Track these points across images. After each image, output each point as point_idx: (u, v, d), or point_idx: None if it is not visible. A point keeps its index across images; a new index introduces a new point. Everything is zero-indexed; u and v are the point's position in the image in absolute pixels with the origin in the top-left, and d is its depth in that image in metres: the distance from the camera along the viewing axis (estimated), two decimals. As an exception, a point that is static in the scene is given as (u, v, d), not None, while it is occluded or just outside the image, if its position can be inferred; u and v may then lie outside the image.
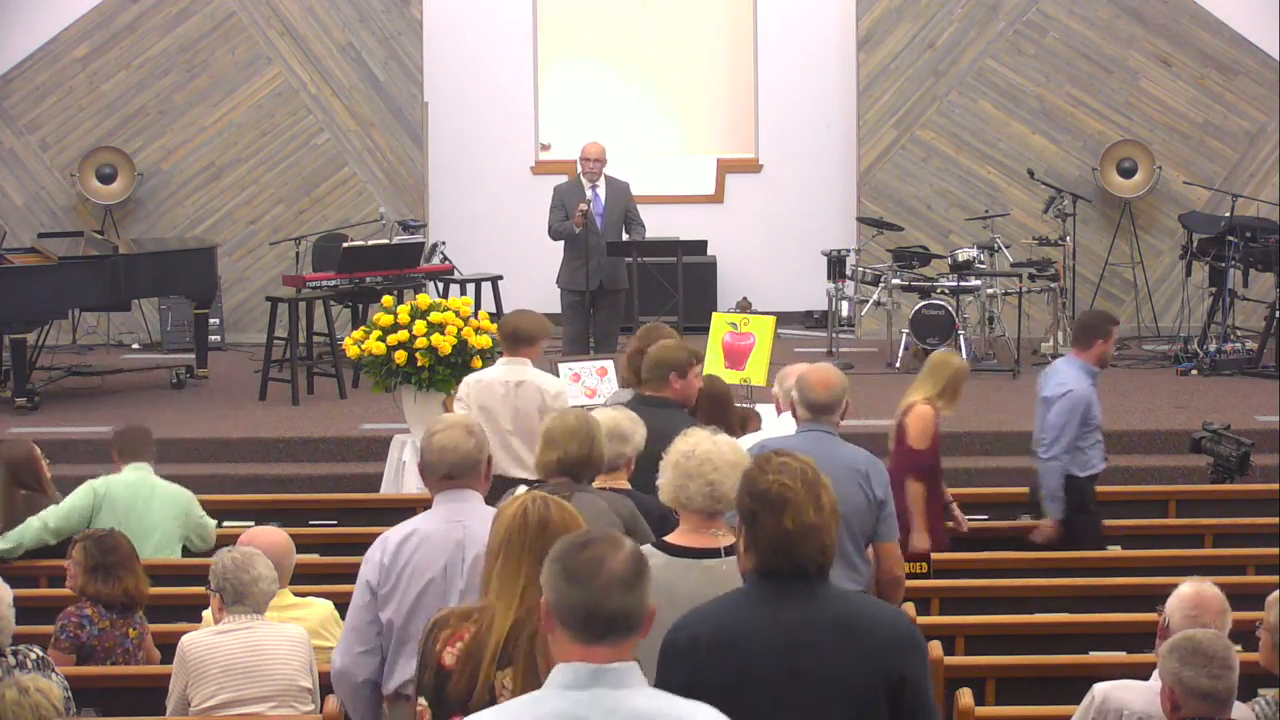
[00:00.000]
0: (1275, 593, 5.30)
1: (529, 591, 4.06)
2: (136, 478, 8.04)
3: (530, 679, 3.97)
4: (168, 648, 6.21)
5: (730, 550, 4.62)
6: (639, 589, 3.33)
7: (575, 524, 4.20)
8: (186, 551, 8.16)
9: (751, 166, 15.94)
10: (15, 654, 5.63)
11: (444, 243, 14.51)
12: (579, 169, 12.75)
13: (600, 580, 3.30)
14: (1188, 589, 5.39)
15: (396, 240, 13.73)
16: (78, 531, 7.28)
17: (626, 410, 6.37)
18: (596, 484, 5.90)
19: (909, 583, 7.49)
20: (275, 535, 6.50)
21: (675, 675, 3.80)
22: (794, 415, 6.54)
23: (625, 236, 12.61)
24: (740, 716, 3.50)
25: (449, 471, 5.15)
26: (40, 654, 5.72)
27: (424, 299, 10.64)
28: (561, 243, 12.58)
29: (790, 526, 3.87)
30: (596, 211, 12.51)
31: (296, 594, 6.54)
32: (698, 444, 4.97)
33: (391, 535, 5.13)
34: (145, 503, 7.99)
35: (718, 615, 3.93)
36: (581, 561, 3.33)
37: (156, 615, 6.97)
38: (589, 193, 12.46)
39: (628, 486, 6.09)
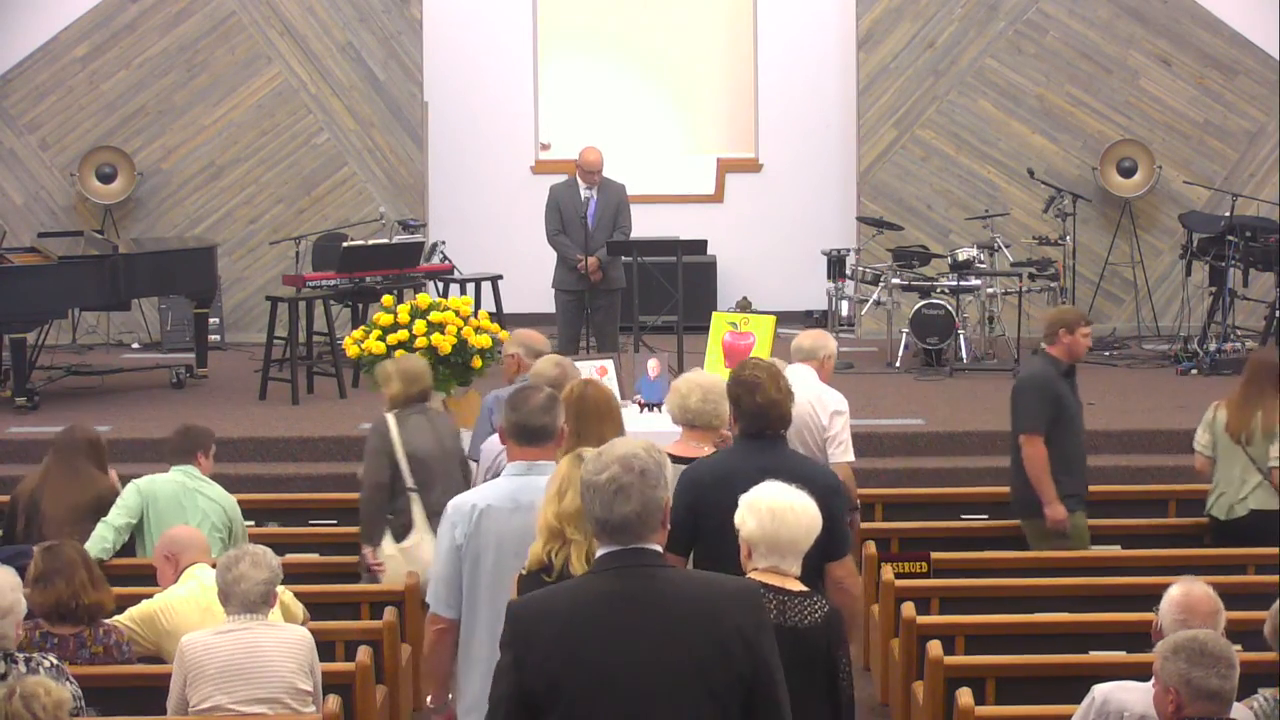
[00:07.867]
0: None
1: (571, 436, 5.62)
2: (178, 478, 8.02)
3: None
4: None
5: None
6: (551, 413, 5.33)
7: (604, 397, 6.02)
8: None
9: (751, 166, 15.94)
10: (29, 661, 5.59)
11: (444, 242, 14.50)
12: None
13: (526, 407, 5.32)
14: (1176, 591, 5.34)
15: (396, 240, 13.72)
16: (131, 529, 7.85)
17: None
18: None
19: (910, 583, 7.51)
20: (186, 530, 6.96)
21: (686, 498, 5.46)
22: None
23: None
24: (733, 528, 4.94)
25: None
26: (54, 661, 5.66)
27: (424, 299, 10.63)
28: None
29: (761, 401, 5.68)
30: (589, 215, 12.50)
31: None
32: (700, 379, 6.40)
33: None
34: (184, 506, 7.92)
35: (718, 461, 5.79)
36: (517, 398, 5.38)
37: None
38: (583, 195, 12.45)
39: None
